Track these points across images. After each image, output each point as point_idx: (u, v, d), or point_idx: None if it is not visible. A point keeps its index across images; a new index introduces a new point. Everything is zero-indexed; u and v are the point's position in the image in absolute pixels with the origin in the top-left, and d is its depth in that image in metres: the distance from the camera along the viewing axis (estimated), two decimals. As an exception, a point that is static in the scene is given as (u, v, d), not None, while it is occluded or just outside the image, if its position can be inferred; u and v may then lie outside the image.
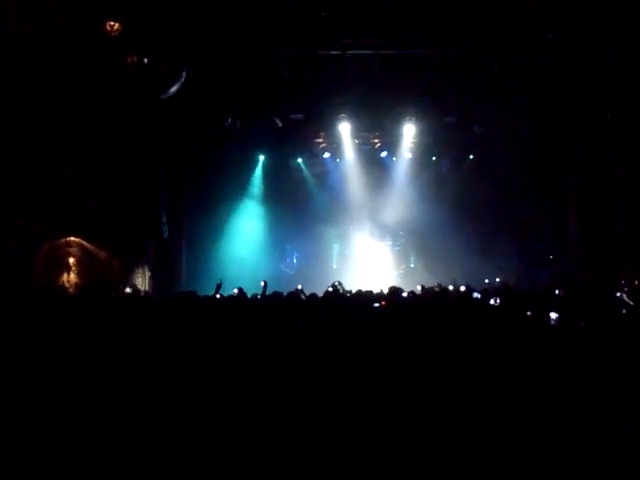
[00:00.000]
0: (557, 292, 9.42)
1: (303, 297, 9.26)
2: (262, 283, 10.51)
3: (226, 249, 16.21)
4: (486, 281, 13.94)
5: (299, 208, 18.08)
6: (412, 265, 17.83)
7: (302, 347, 5.34)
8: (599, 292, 9.57)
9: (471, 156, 18.18)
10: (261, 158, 18.17)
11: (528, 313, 6.21)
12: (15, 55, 11.88)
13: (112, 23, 11.77)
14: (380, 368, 4.80)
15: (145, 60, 12.45)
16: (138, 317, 6.62)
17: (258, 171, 18.06)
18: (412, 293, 10.00)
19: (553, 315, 5.98)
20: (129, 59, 12.31)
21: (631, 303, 7.75)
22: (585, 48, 13.18)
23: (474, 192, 17.36)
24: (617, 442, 3.84)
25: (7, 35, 11.63)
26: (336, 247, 18.65)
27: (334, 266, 18.10)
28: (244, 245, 16.55)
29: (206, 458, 3.85)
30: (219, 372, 4.83)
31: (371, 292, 10.13)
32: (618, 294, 8.48)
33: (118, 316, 6.64)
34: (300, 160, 18.53)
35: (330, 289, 10.41)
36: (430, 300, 8.84)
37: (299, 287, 11.04)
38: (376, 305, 7.85)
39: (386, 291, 9.74)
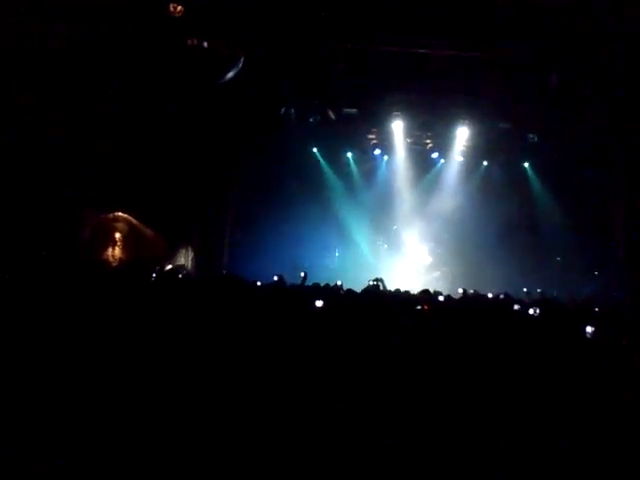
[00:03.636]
0: (597, 310, 9.29)
1: (342, 292, 9.30)
2: (302, 274, 10.57)
3: (270, 237, 16.28)
4: (524, 290, 13.77)
5: (345, 203, 18.06)
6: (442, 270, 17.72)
7: (335, 342, 5.35)
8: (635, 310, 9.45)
9: (525, 164, 17.92)
10: (313, 150, 18.20)
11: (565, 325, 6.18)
12: (75, 30, 12.06)
13: (175, 4, 11.89)
14: (420, 372, 4.80)
15: (205, 44, 12.56)
16: (177, 296, 6.71)
17: (309, 162, 18.09)
18: (449, 297, 9.95)
19: (589, 329, 5.97)
20: (189, 41, 12.44)
21: None
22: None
23: (521, 202, 17.12)
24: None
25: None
26: (378, 244, 18.59)
27: (372, 261, 18.02)
28: (288, 234, 16.60)
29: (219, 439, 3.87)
30: (249, 356, 4.87)
31: (410, 293, 10.12)
32: None
33: (157, 294, 6.75)
34: (349, 155, 18.51)
35: (371, 283, 10.39)
36: (471, 306, 8.79)
37: (339, 283, 11.04)
38: (418, 308, 7.82)
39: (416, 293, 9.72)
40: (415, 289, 10.78)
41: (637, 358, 5.16)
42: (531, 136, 16.61)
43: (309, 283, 9.82)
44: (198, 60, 12.61)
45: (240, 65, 13.27)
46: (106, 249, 14.16)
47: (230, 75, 13.30)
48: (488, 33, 12.89)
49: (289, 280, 9.82)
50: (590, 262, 16.62)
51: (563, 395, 4.47)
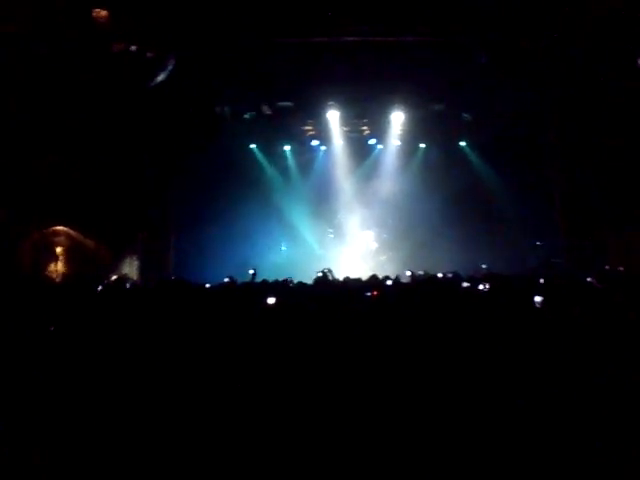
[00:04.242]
0: (542, 281, 9.53)
1: (291, 285, 9.30)
2: (251, 271, 10.52)
3: (215, 237, 16.14)
4: (484, 266, 14.02)
5: (287, 196, 18.05)
6: (383, 258, 17.89)
7: (293, 337, 5.34)
8: (575, 278, 9.72)
9: (461, 143, 18.16)
10: (251, 146, 18.11)
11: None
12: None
13: (99, 10, 11.66)
14: (374, 358, 4.81)
15: (132, 48, 12.36)
16: (125, 306, 6.62)
17: (247, 159, 17.99)
18: (397, 280, 10.03)
19: (537, 299, 6.12)
20: (116, 46, 12.22)
21: (599, 287, 7.94)
22: (573, 32, 13.15)
23: (461, 180, 17.37)
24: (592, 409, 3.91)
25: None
26: (324, 235, 18.62)
27: (319, 252, 18.06)
28: (233, 234, 16.49)
29: (197, 451, 3.85)
30: (208, 361, 4.83)
31: (359, 280, 10.16)
32: (589, 279, 8.67)
33: (105, 305, 6.64)
34: (288, 148, 18.49)
35: (319, 274, 10.41)
36: (421, 288, 8.87)
37: (288, 278, 11.02)
38: (367, 294, 7.86)
39: (365, 279, 9.78)
40: (364, 276, 10.84)
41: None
42: (465, 115, 16.87)
43: (259, 280, 9.77)
44: (126, 65, 12.41)
45: (171, 67, 13.11)
46: (48, 264, 13.86)
47: (161, 77, 13.13)
48: (417, 16, 12.97)
49: (238, 279, 9.74)
50: (533, 232, 16.99)
51: (518, 365, 4.56)
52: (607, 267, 12.60)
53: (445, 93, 15.80)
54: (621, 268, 12.06)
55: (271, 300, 6.85)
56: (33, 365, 4.52)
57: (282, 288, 8.73)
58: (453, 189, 17.16)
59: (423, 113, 16.79)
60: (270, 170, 18.33)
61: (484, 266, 14.61)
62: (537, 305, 6.16)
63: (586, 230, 15.35)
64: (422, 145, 18.48)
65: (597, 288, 7.95)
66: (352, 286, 9.23)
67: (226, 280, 9.67)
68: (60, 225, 14.04)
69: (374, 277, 10.31)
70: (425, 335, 5.24)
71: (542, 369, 4.45)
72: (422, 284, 9.77)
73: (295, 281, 9.39)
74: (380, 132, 18.05)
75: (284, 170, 18.53)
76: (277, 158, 18.52)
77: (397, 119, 17.26)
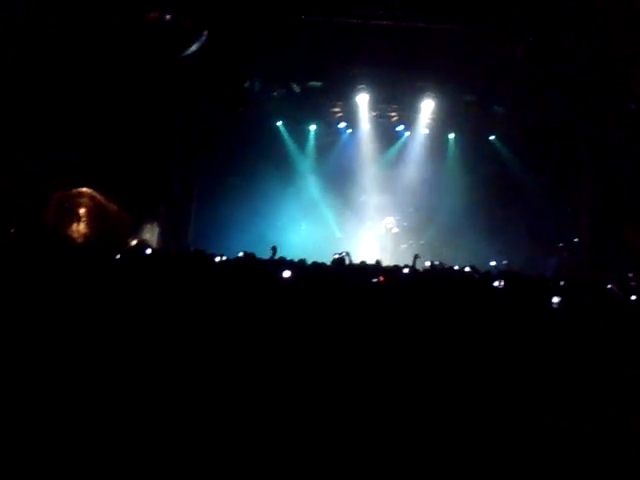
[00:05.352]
0: (562, 283, 9.45)
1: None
2: (272, 248, 10.51)
3: (236, 212, 16.18)
4: (492, 263, 13.92)
5: (310, 176, 18.04)
6: (422, 242, 17.78)
7: (308, 316, 5.36)
8: (595, 283, 9.61)
9: (491, 137, 18.01)
10: (277, 124, 18.09)
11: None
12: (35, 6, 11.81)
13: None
14: (369, 348, 4.81)
15: (166, 17, 12.36)
16: (144, 272, 6.67)
17: (273, 136, 17.98)
18: (412, 268, 9.99)
19: (555, 299, 6.07)
20: (150, 15, 12.23)
21: (620, 294, 7.85)
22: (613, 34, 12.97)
23: (488, 173, 17.25)
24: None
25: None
26: (343, 218, 18.56)
27: (338, 235, 18.04)
28: (254, 209, 16.52)
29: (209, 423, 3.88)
30: (221, 333, 4.87)
31: (378, 265, 10.14)
32: (609, 286, 8.56)
33: (124, 269, 6.70)
34: (314, 128, 18.43)
35: (336, 256, 10.39)
36: (430, 278, 8.84)
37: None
38: (374, 280, 7.83)
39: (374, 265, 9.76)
40: (383, 262, 10.83)
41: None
42: (497, 108, 16.72)
43: (277, 257, 9.79)
44: (160, 34, 12.42)
45: (204, 39, 13.10)
46: (70, 225, 13.99)
47: (193, 49, 13.13)
48: (454, 5, 12.87)
49: (255, 254, 9.76)
50: (556, 232, 16.87)
51: (531, 363, 4.55)
52: (630, 274, 12.40)
53: (478, 84, 15.67)
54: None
55: (287, 273, 6.91)
56: (50, 322, 4.58)
57: (297, 265, 8.74)
58: (479, 182, 17.06)
59: (454, 103, 16.68)
60: (296, 149, 18.30)
61: (504, 262, 14.53)
62: (554, 306, 6.12)
63: (611, 231, 15.19)
64: (451, 135, 18.32)
65: (617, 295, 7.85)
66: (366, 271, 9.19)
67: (240, 255, 9.69)
68: (85, 187, 14.16)
69: (378, 262, 10.32)
70: (424, 325, 5.23)
71: (549, 369, 4.44)
72: (435, 275, 9.74)
73: (311, 262, 9.37)
74: (409, 119, 17.93)
75: (310, 150, 18.50)
76: (304, 138, 18.48)
77: (427, 107, 17.14)
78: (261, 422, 3.84)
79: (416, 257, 11.01)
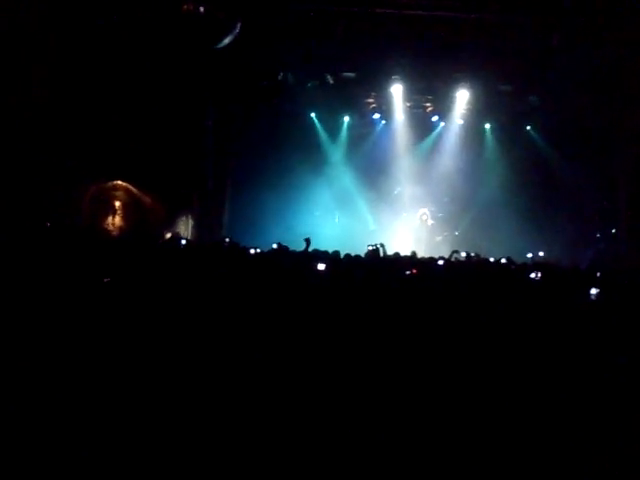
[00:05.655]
0: (598, 275, 9.31)
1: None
2: (306, 240, 10.52)
3: (270, 204, 16.22)
4: (529, 255, 13.74)
5: (344, 168, 17.98)
6: (457, 233, 17.65)
7: (340, 309, 5.35)
8: (633, 274, 9.44)
9: (527, 127, 17.77)
10: (311, 115, 18.07)
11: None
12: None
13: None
14: (402, 341, 4.78)
15: (201, 8, 12.40)
16: (178, 264, 6.72)
17: (307, 127, 17.97)
18: (447, 261, 9.92)
19: (593, 291, 5.99)
20: (185, 6, 12.28)
21: None
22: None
23: (524, 164, 17.04)
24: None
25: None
26: (378, 209, 18.48)
27: (372, 227, 17.99)
28: (288, 201, 16.55)
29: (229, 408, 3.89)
30: (254, 321, 4.88)
31: (414, 256, 10.11)
32: None
33: (158, 263, 6.76)
34: (348, 119, 18.36)
35: (370, 248, 10.37)
36: (465, 271, 8.76)
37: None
38: (407, 273, 7.79)
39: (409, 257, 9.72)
40: (418, 254, 10.80)
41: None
42: (533, 98, 16.50)
43: (310, 249, 9.79)
44: (194, 25, 12.46)
45: (237, 30, 13.12)
46: (106, 218, 14.17)
47: (227, 40, 13.16)
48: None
49: (288, 246, 9.78)
50: (594, 223, 16.64)
51: (568, 357, 4.49)
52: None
53: (513, 74, 15.47)
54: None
55: (321, 266, 6.93)
56: (86, 315, 4.63)
57: (332, 258, 8.74)
58: (514, 172, 16.87)
59: (489, 93, 16.49)
60: (329, 140, 18.26)
61: (541, 253, 14.35)
62: (592, 297, 6.04)
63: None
64: (487, 126, 18.13)
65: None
66: (399, 263, 9.14)
67: (274, 246, 9.73)
68: (120, 180, 14.32)
69: (414, 254, 10.29)
70: (458, 317, 5.18)
71: (586, 362, 4.38)
72: (472, 267, 9.66)
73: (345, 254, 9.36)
74: (444, 109, 17.76)
75: (344, 141, 18.44)
76: (337, 129, 18.42)
77: (462, 97, 16.98)
78: (292, 415, 3.85)
79: (454, 252, 10.93)
